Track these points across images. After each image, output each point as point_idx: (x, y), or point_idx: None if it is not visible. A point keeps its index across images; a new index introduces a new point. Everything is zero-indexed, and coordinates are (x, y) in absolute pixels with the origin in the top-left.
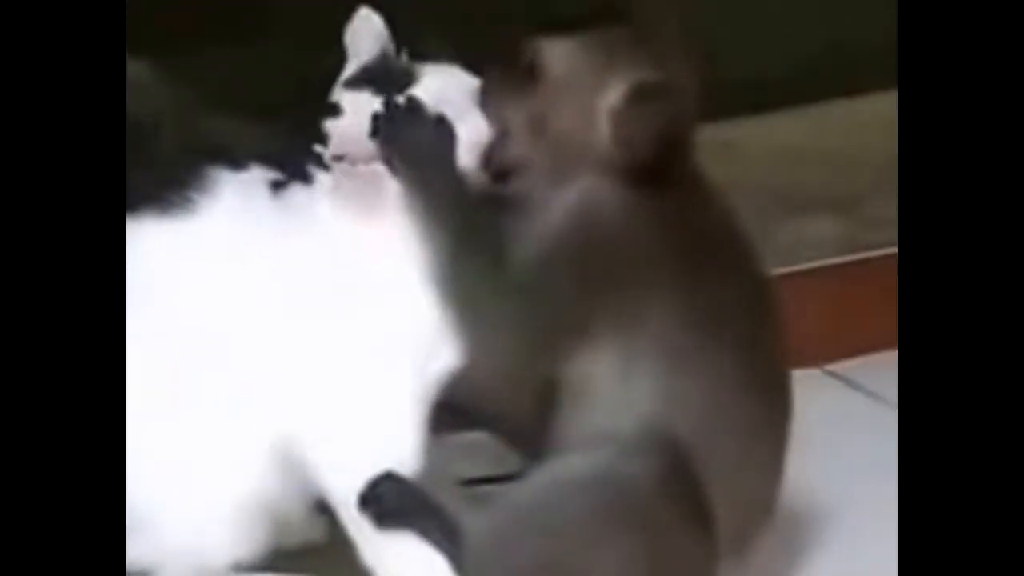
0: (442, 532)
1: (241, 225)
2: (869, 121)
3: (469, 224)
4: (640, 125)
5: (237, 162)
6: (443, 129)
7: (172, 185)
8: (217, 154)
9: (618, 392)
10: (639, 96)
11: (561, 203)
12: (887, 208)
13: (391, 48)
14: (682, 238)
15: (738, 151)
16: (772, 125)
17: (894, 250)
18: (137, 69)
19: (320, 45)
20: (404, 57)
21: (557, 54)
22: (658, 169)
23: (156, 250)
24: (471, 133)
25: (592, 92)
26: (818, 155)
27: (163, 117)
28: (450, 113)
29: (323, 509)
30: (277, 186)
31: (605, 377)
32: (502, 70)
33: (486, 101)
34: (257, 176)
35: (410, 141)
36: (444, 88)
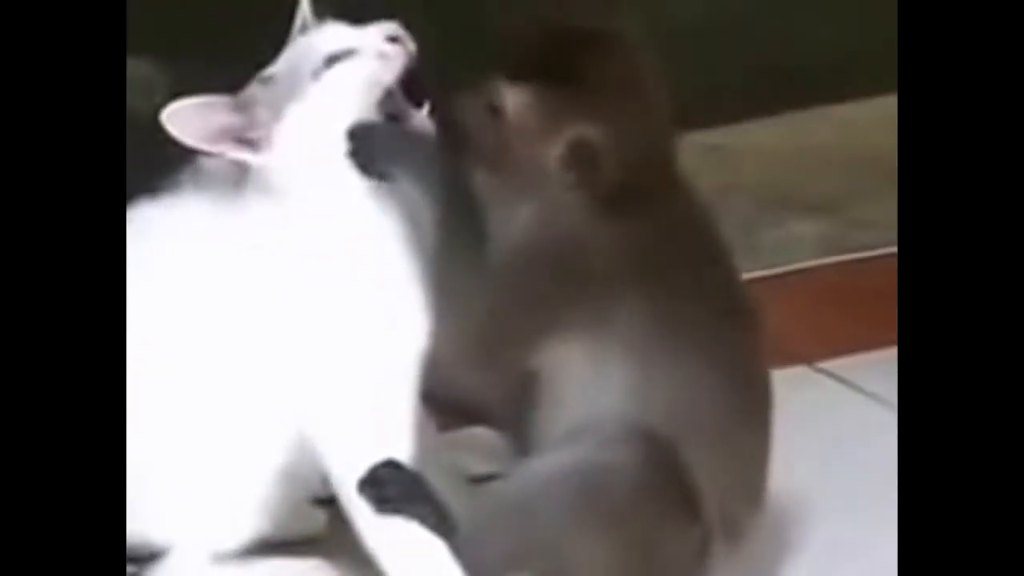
0: (437, 518)
1: (219, 203)
2: (854, 125)
3: (452, 219)
4: (579, 173)
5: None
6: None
7: (165, 169)
8: None
9: (592, 387)
10: (577, 151)
11: (525, 212)
12: (872, 210)
13: None
14: (647, 241)
15: (726, 154)
16: (760, 129)
17: (880, 251)
18: (138, 65)
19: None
20: None
21: (513, 99)
22: (612, 196)
23: (150, 230)
24: None
25: (542, 137)
26: (804, 158)
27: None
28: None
29: (321, 502)
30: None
31: (578, 372)
32: (470, 101)
33: (455, 122)
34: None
35: (388, 159)
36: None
